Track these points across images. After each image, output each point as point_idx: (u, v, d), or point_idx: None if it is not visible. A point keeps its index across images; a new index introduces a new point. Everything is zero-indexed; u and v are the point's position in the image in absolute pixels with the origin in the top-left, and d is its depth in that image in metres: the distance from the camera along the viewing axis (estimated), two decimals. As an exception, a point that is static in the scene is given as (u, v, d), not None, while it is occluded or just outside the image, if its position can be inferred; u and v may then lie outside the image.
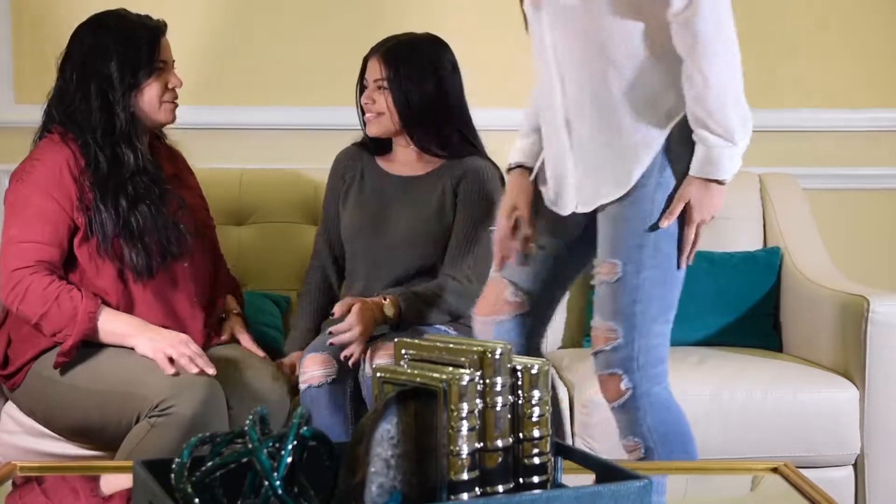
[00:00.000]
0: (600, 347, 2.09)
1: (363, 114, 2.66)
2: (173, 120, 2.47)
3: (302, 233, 3.03)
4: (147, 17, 2.42)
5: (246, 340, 2.51)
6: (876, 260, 3.42)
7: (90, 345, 2.30)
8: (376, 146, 2.71)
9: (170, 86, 2.42)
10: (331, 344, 2.39)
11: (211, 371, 2.26)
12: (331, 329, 2.40)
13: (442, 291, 2.53)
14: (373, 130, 2.63)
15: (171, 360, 2.25)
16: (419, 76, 2.58)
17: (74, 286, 2.30)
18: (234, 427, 2.20)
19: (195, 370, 2.24)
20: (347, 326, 2.37)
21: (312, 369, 2.40)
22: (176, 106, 2.45)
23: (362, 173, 2.71)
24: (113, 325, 2.30)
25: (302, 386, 2.39)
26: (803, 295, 2.85)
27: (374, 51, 2.62)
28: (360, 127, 2.71)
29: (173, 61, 2.45)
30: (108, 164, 2.32)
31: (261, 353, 2.47)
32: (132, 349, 2.29)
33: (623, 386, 2.07)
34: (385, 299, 2.46)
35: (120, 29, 2.37)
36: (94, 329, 2.28)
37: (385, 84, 2.57)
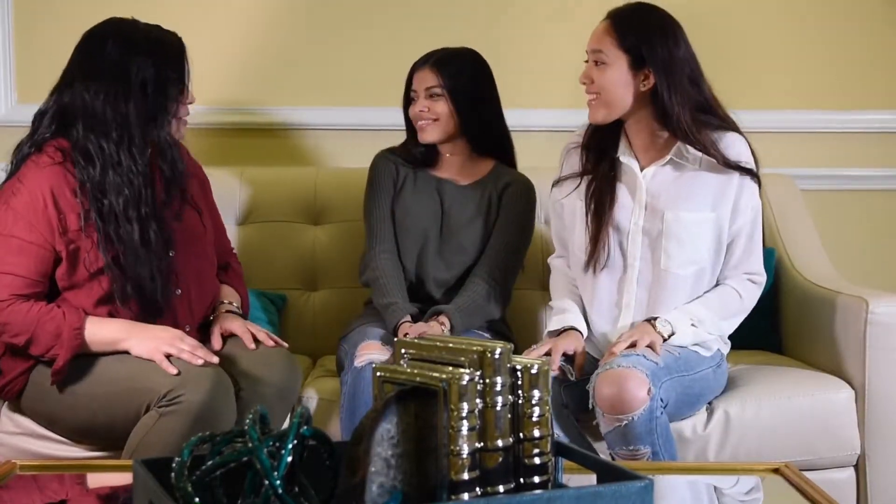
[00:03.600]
0: None
1: (410, 124, 2.72)
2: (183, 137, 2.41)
3: (301, 232, 3.03)
4: (160, 28, 2.34)
5: (243, 332, 2.40)
6: (874, 261, 3.42)
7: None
8: (419, 160, 2.75)
9: (189, 102, 2.38)
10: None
11: (214, 360, 2.25)
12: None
13: (479, 298, 2.62)
14: (429, 136, 2.69)
15: (169, 357, 2.23)
16: (472, 81, 2.69)
17: (55, 305, 2.25)
18: (244, 412, 2.22)
19: (199, 362, 2.22)
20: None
21: (372, 352, 2.44)
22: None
23: (415, 175, 2.75)
24: (101, 333, 2.25)
25: (359, 363, 2.41)
26: (802, 296, 2.85)
27: (423, 63, 2.70)
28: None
29: None
30: (136, 190, 2.24)
31: (257, 339, 2.38)
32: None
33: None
34: (441, 321, 2.55)
35: (152, 43, 2.29)
36: (82, 343, 2.24)
37: (440, 90, 2.65)
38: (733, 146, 2.44)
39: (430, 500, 1.37)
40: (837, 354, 2.64)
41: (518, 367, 1.43)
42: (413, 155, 2.75)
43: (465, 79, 2.68)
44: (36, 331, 2.22)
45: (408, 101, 2.73)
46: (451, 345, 1.45)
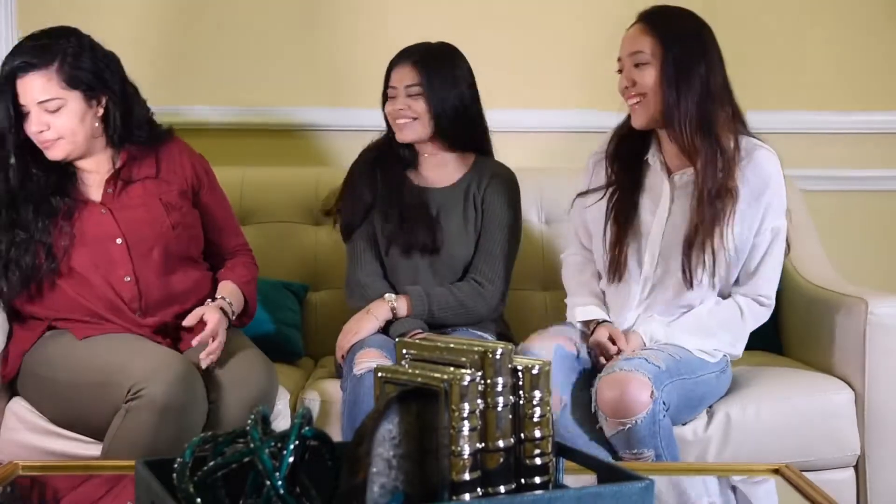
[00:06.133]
0: None
1: (389, 121, 2.66)
2: (56, 157, 2.38)
3: (303, 232, 3.04)
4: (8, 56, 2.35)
5: (211, 329, 2.34)
6: (874, 262, 3.42)
7: (66, 335, 2.34)
8: (398, 161, 2.69)
9: (30, 132, 2.36)
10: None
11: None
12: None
13: (461, 293, 2.59)
14: (408, 135, 2.64)
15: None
16: (451, 81, 2.63)
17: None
18: (214, 423, 2.24)
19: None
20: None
21: (372, 359, 2.41)
22: (49, 146, 2.37)
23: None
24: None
25: (358, 372, 2.38)
26: (803, 297, 2.85)
27: (404, 58, 2.64)
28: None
29: (40, 102, 2.33)
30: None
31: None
32: (110, 338, 2.32)
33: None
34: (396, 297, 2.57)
35: None
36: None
37: (420, 90, 2.60)
38: (762, 165, 2.41)
39: (431, 500, 1.38)
40: (838, 355, 2.64)
41: (519, 367, 1.44)
42: (395, 155, 2.69)
43: (445, 78, 2.62)
44: None
45: (385, 97, 2.67)
46: (452, 345, 1.45)
